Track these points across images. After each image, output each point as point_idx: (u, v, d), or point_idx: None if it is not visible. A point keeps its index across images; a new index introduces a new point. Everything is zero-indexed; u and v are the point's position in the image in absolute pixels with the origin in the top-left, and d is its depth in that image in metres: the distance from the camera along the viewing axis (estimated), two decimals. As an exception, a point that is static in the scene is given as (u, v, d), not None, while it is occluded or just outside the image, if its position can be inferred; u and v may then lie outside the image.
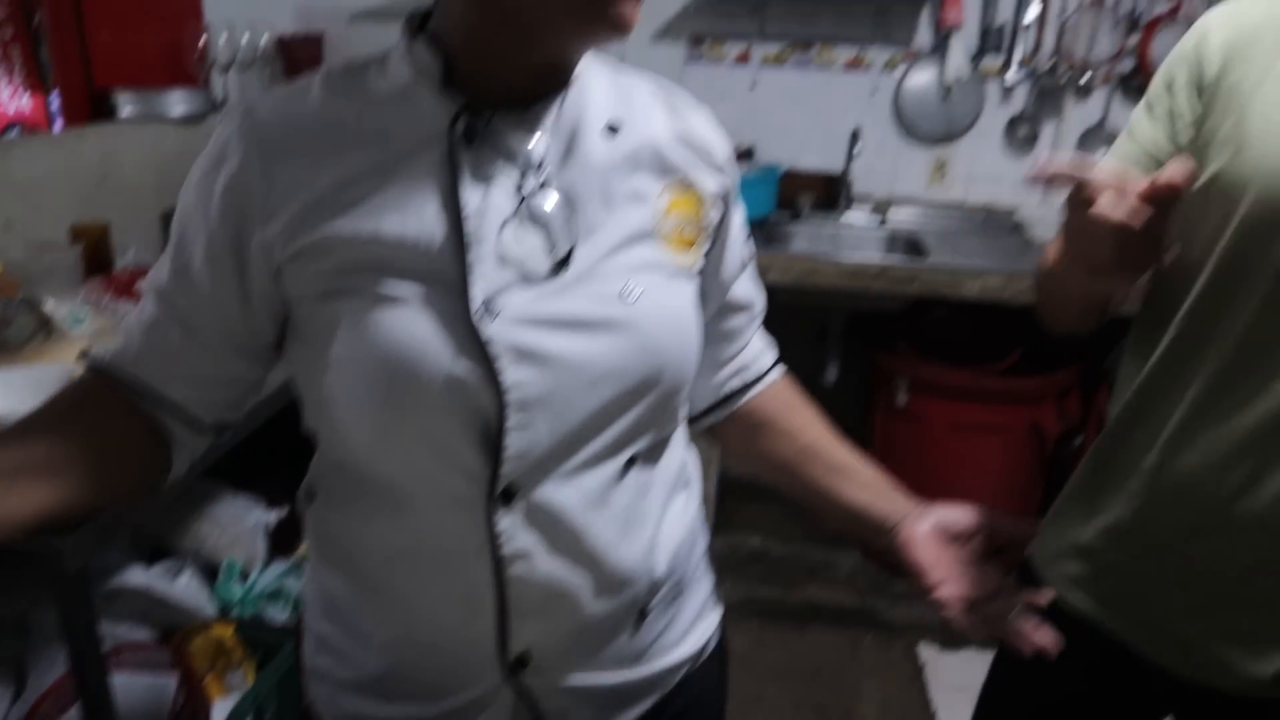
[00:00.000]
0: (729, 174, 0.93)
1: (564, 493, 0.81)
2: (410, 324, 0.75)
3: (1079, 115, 2.84)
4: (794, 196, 2.88)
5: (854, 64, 2.89)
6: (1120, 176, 0.78)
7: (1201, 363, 0.96)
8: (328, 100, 0.79)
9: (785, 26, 2.88)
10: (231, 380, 0.87)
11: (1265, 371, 0.91)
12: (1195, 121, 0.96)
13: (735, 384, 1.02)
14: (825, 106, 2.93)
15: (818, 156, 2.95)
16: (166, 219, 2.28)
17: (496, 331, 0.75)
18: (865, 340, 2.75)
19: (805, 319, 2.95)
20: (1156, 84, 1.02)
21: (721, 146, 0.92)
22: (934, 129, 2.90)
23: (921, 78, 2.86)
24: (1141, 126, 1.02)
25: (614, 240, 0.82)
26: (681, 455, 0.96)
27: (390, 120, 0.79)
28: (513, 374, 0.75)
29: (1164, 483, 0.99)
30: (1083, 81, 2.78)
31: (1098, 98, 2.81)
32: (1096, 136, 2.82)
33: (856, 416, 2.94)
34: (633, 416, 0.82)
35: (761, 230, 2.74)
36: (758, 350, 1.05)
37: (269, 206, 0.77)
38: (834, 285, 2.40)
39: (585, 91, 0.84)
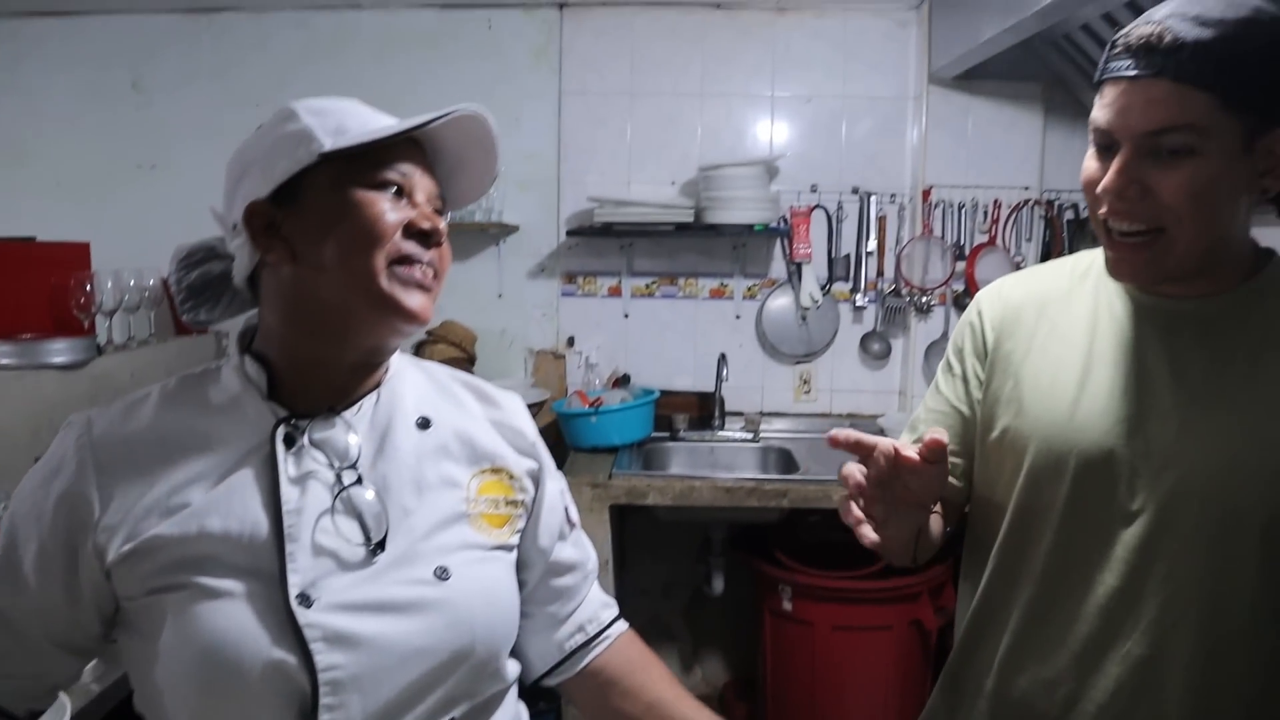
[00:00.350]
0: (539, 455, 1.05)
1: None
2: (231, 615, 0.82)
3: (923, 330, 3.12)
4: (671, 417, 3.03)
5: (718, 293, 3.15)
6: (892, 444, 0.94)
7: (1017, 594, 1.08)
8: (163, 412, 0.90)
9: (652, 263, 3.14)
10: (46, 673, 0.91)
11: (1069, 602, 1.04)
12: (982, 384, 1.13)
13: (577, 640, 1.08)
14: (694, 332, 3.16)
15: (690, 378, 3.15)
16: (41, 467, 2.24)
17: (313, 618, 0.82)
18: (748, 549, 2.85)
19: (689, 533, 3.05)
20: (950, 349, 1.20)
21: (530, 430, 1.06)
22: (796, 348, 3.14)
23: (781, 302, 3.13)
24: (944, 384, 1.19)
25: (428, 525, 0.92)
26: (513, 710, 1.02)
27: (220, 427, 0.89)
28: (326, 658, 0.82)
29: (1004, 702, 1.09)
30: (923, 301, 3.08)
31: (938, 315, 3.11)
32: (939, 348, 3.09)
33: (746, 622, 2.99)
34: (448, 687, 0.89)
35: (641, 451, 2.87)
36: (596, 607, 1.11)
37: (103, 518, 0.85)
38: (712, 502, 2.52)
39: (397, 391, 0.97)
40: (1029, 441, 1.06)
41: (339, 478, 0.89)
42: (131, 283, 2.66)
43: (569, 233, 3.05)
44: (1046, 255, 3.01)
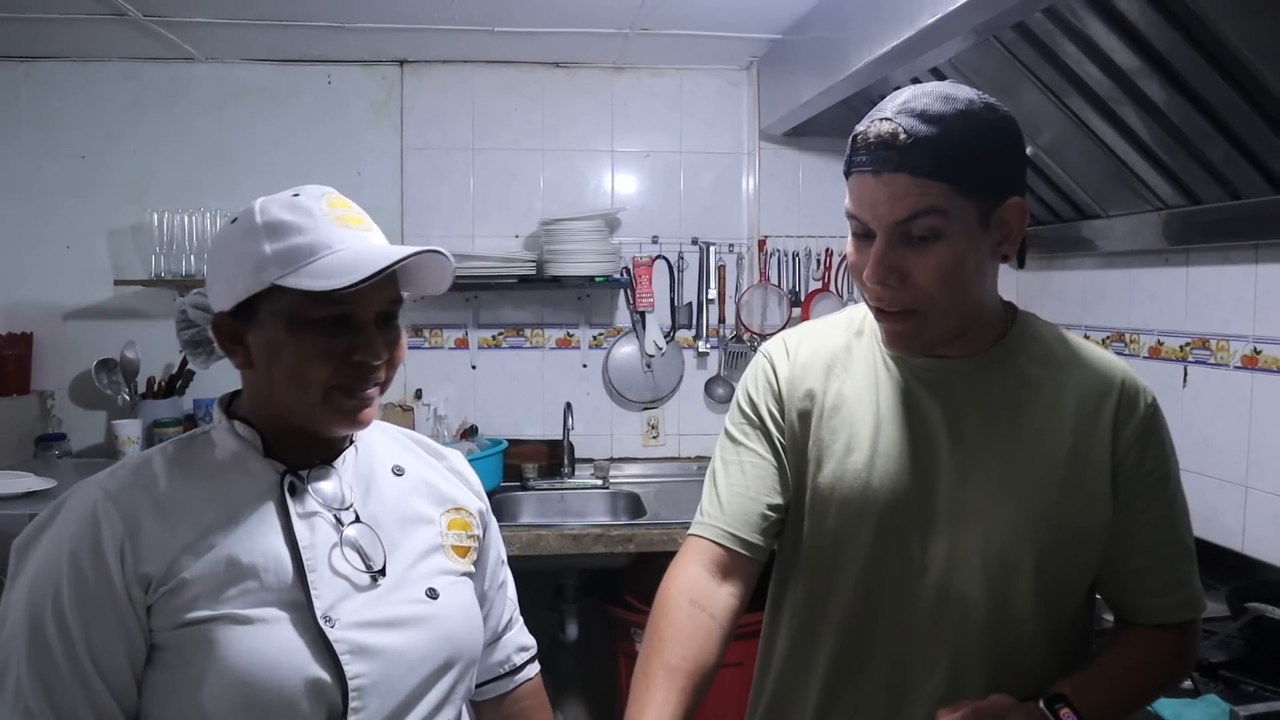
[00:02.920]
0: (484, 499, 1.22)
1: None
2: (270, 638, 0.94)
3: (765, 374, 3.24)
4: (520, 466, 3.06)
5: (564, 342, 3.21)
6: None
7: (823, 644, 1.13)
8: (171, 471, 1.00)
9: (498, 314, 3.18)
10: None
11: (876, 649, 1.10)
12: (782, 431, 1.16)
13: (496, 671, 1.26)
14: (542, 382, 3.20)
15: (539, 427, 3.18)
16: None
17: (339, 635, 0.96)
18: (600, 595, 2.88)
19: (541, 581, 3.05)
20: (744, 405, 1.19)
21: (475, 479, 1.23)
22: (642, 394, 3.22)
23: (626, 350, 3.20)
24: (748, 439, 1.18)
25: (414, 554, 1.08)
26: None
27: (229, 481, 1.01)
28: (353, 668, 0.96)
29: None
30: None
31: (777, 359, 3.24)
32: (781, 392, 3.21)
33: (602, 667, 3.01)
34: (444, 686, 1.05)
35: (491, 502, 2.84)
36: (511, 650, 1.28)
37: (138, 565, 0.93)
38: (560, 550, 2.54)
39: (370, 447, 1.13)
40: (829, 502, 1.11)
41: (338, 518, 1.03)
42: (-61, 345, 2.52)
43: (415, 286, 3.03)
44: (874, 300, 3.18)
